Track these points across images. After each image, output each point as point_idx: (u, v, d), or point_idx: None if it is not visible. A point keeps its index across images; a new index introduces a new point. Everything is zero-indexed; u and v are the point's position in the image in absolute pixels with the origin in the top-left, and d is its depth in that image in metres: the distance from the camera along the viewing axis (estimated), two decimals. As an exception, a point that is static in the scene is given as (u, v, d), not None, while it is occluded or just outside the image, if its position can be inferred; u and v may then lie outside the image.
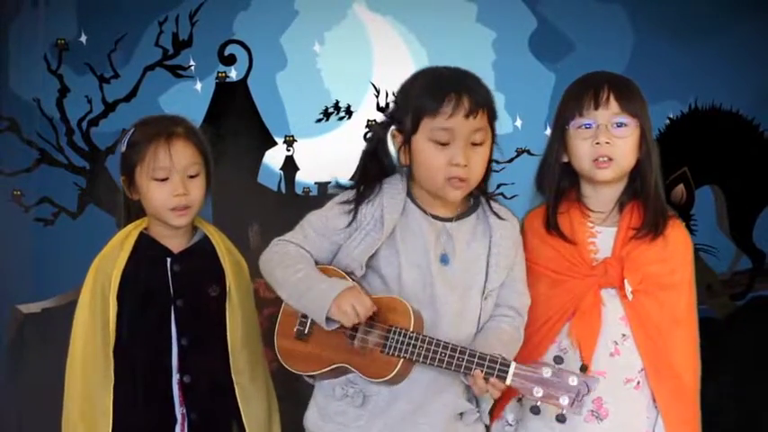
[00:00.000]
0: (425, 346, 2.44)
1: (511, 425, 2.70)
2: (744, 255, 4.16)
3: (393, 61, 4.13)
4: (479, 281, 2.57)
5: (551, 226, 2.69)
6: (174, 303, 2.71)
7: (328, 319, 2.46)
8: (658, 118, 3.88)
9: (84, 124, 4.07)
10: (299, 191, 4.12)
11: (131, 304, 2.70)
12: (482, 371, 2.40)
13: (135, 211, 2.82)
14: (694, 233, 4.09)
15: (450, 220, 2.59)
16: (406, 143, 2.55)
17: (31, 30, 4.08)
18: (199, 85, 4.11)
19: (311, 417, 2.61)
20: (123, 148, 2.79)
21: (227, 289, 2.76)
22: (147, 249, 2.76)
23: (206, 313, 2.74)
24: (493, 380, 2.39)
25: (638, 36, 4.17)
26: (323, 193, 4.08)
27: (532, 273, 2.68)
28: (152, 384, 2.70)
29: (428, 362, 2.43)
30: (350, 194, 2.60)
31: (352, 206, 2.58)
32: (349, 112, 4.11)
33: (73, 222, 4.07)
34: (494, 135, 2.59)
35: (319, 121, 4.08)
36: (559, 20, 4.16)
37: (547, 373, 2.31)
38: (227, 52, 4.12)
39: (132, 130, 2.79)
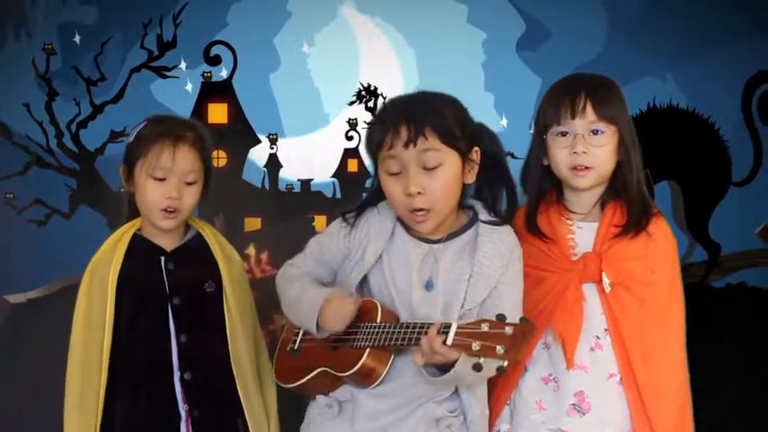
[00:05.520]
0: (386, 330, 2.42)
1: None
2: (697, 247, 4.17)
3: (381, 62, 4.14)
4: (459, 299, 2.50)
5: (531, 227, 2.68)
6: (170, 301, 2.72)
7: (319, 328, 2.51)
8: (637, 96, 3.88)
9: (74, 126, 4.09)
10: (282, 187, 4.15)
11: (129, 304, 2.70)
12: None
13: (134, 208, 2.80)
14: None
15: (439, 241, 2.54)
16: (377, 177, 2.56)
17: (20, 38, 4.10)
18: (189, 86, 4.11)
19: (302, 428, 2.67)
20: (131, 138, 2.77)
21: (223, 284, 2.77)
22: (141, 249, 2.75)
23: (203, 309, 2.76)
24: (436, 342, 2.30)
25: (612, 18, 4.18)
26: (305, 189, 4.14)
27: None
28: (154, 383, 2.70)
29: (387, 344, 2.42)
30: (343, 221, 2.63)
31: (346, 229, 2.61)
32: (376, 95, 4.13)
33: (66, 222, 4.08)
34: (466, 150, 2.51)
35: (352, 103, 4.11)
36: (536, 8, 4.17)
37: (485, 326, 2.24)
38: (214, 52, 4.13)
39: (144, 124, 2.77)
